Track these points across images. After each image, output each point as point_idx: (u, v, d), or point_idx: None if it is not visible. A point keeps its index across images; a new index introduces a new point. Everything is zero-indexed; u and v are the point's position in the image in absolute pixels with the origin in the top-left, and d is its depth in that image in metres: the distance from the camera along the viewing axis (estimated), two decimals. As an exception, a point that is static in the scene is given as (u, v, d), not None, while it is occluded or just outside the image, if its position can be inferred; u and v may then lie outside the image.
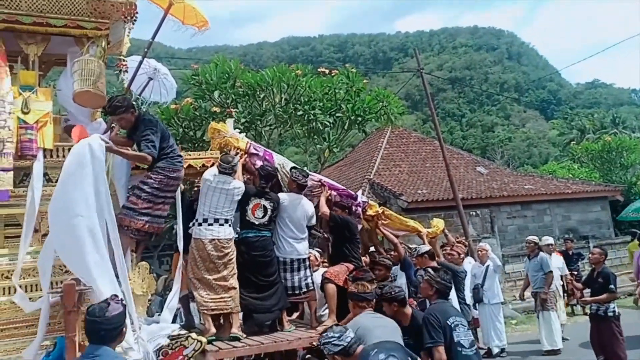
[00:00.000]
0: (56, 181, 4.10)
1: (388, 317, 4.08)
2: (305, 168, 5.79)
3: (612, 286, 6.08)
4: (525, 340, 9.33)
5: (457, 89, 68.47)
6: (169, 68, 5.73)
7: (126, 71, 4.93)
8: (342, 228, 5.41)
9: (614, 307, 6.21)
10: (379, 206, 6.47)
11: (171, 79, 5.61)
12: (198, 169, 4.84)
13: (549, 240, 9.37)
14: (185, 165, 4.64)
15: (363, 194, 6.24)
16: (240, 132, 5.48)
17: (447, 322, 3.86)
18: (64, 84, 4.49)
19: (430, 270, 4.33)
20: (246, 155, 5.22)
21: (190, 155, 5.03)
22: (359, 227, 5.96)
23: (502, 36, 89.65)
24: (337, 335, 3.42)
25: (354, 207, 5.85)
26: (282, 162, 5.47)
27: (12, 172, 3.80)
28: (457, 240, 7.79)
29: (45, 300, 3.64)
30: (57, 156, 4.16)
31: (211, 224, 4.66)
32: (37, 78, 4.32)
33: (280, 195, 5.17)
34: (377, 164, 17.41)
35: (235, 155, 4.98)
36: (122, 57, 4.92)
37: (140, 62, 4.69)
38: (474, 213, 14.23)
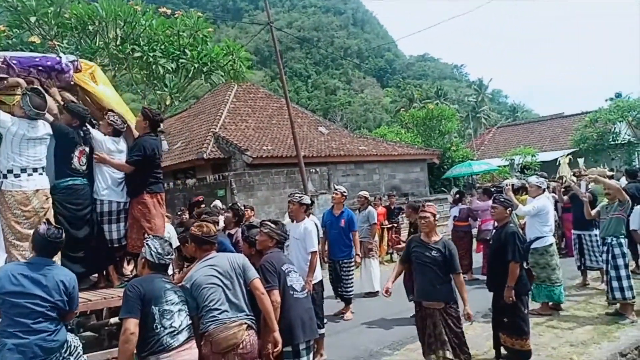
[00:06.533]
0: None
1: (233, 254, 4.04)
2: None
3: None
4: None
5: (305, 49, 69.67)
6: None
7: None
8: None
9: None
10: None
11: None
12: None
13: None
14: None
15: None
16: None
17: (282, 268, 4.13)
18: None
19: (269, 223, 4.39)
20: None
21: None
22: None
23: (349, 1, 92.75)
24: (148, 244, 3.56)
25: (64, 76, 4.75)
26: None
27: None
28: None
29: None
30: None
31: (31, 174, 4.18)
32: None
33: (96, 135, 4.70)
34: (224, 117, 17.07)
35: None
36: None
37: None
38: (313, 170, 14.85)
